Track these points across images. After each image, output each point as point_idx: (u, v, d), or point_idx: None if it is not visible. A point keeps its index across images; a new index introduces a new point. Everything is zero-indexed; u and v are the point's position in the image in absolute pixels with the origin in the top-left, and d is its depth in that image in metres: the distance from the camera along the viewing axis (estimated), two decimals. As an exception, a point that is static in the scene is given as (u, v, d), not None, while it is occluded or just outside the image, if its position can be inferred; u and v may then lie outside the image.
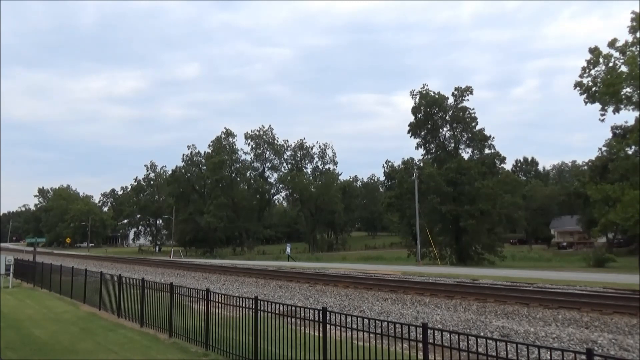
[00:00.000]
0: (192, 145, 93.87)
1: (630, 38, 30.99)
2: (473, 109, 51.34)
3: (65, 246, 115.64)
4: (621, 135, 38.01)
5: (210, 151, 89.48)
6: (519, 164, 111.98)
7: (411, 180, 48.37)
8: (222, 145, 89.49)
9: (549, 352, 5.54)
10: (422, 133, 53.21)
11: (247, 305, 8.92)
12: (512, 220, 53.90)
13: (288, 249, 57.26)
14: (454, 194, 47.66)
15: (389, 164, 57.07)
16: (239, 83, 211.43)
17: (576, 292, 16.01)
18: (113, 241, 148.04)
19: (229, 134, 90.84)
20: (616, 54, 31.54)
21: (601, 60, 32.12)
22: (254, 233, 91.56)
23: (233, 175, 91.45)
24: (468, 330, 11.85)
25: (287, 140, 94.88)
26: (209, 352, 9.64)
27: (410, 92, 53.13)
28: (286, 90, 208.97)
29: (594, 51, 32.33)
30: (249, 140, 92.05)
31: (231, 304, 9.53)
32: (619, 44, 31.33)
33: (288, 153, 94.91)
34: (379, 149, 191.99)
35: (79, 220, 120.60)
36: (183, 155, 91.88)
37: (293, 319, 7.85)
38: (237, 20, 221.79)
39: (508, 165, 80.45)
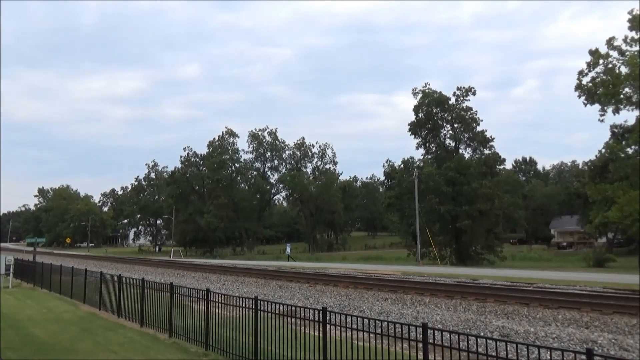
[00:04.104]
0: (188, 147, 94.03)
1: (629, 36, 31.04)
2: (476, 110, 51.60)
3: (65, 246, 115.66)
4: (620, 134, 38.02)
5: (209, 151, 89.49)
6: (518, 164, 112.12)
7: (411, 179, 48.38)
8: (223, 145, 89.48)
9: (549, 352, 5.54)
10: (423, 133, 53.24)
11: (247, 305, 8.92)
12: (512, 220, 53.99)
13: (288, 249, 57.23)
14: (453, 193, 47.66)
15: (389, 163, 56.88)
16: (239, 83, 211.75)
17: (576, 292, 16.01)
18: (113, 241, 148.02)
19: (231, 133, 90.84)
20: (615, 54, 31.59)
21: (601, 61, 32.16)
22: (254, 233, 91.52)
23: (233, 175, 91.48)
24: (468, 330, 11.85)
25: (284, 140, 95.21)
26: (209, 352, 9.64)
27: (412, 90, 53.19)
28: (286, 90, 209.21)
29: (594, 53, 32.35)
30: (252, 139, 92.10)
31: (231, 304, 9.53)
32: (617, 42, 31.38)
33: (287, 153, 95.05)
34: (379, 149, 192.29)
35: (79, 220, 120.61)
36: (180, 157, 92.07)
37: (293, 319, 7.85)
38: (238, 20, 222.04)
39: (508, 166, 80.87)
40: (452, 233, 49.18)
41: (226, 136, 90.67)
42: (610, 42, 31.54)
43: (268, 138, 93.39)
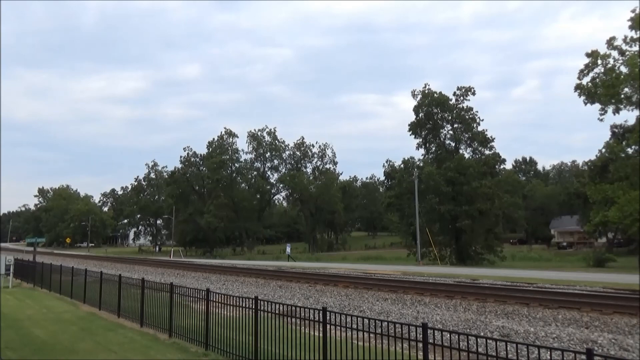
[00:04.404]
0: (188, 147, 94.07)
1: (629, 36, 31.04)
2: (477, 110, 51.66)
3: (65, 246, 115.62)
4: (620, 134, 38.05)
5: (208, 151, 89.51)
6: (518, 164, 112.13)
7: (411, 179, 48.38)
8: (222, 145, 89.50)
9: (549, 352, 5.54)
10: (423, 133, 53.25)
11: (247, 305, 8.92)
12: (512, 220, 53.94)
13: (288, 249, 57.19)
14: (453, 193, 47.68)
15: (389, 163, 56.93)
16: (239, 83, 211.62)
17: (576, 292, 16.01)
18: (113, 241, 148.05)
19: (229, 134, 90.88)
20: (615, 54, 31.60)
21: (599, 62, 32.16)
22: (254, 233, 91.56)
23: (233, 175, 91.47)
24: (468, 330, 11.85)
25: (284, 140, 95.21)
26: (209, 352, 9.64)
27: (412, 92, 53.20)
28: (286, 90, 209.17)
29: (592, 54, 32.37)
30: (251, 140, 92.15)
31: (231, 304, 9.53)
32: (617, 42, 31.38)
33: (287, 153, 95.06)
34: (379, 149, 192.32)
35: (79, 220, 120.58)
36: (180, 157, 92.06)
37: (293, 319, 7.86)
38: (238, 20, 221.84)
39: (508, 166, 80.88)
40: (452, 233, 49.20)
41: (225, 136, 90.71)
42: (610, 42, 31.54)
43: (267, 138, 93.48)
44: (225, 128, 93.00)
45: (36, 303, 18.14)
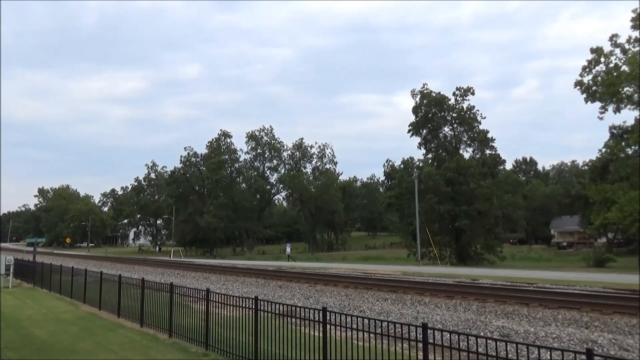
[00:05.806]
0: (189, 146, 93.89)
1: (632, 35, 31.06)
2: (478, 110, 51.70)
3: (65, 246, 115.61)
4: (619, 135, 38.05)
5: (207, 152, 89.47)
6: (518, 164, 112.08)
7: (410, 179, 48.38)
8: (220, 146, 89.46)
9: (549, 352, 5.54)
10: (423, 132, 53.26)
11: (247, 305, 8.93)
12: (512, 220, 53.92)
13: (288, 249, 57.21)
14: (452, 193, 47.69)
15: (389, 163, 56.96)
16: (239, 83, 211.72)
17: (576, 292, 16.00)
18: (113, 241, 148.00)
19: (225, 134, 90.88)
20: (617, 52, 31.61)
21: (602, 59, 32.17)
22: (254, 233, 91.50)
23: (233, 175, 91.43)
24: (468, 330, 11.85)
25: (282, 141, 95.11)
26: (209, 352, 9.65)
27: (411, 92, 53.25)
28: (286, 90, 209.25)
29: (597, 51, 32.35)
30: (250, 140, 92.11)
31: (231, 304, 9.53)
32: (620, 40, 31.39)
33: (286, 154, 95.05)
34: (379, 149, 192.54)
35: (79, 220, 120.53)
36: (181, 157, 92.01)
37: (293, 319, 7.86)
38: (238, 20, 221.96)
39: (508, 166, 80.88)
40: (452, 233, 49.21)
41: (222, 137, 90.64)
42: (613, 39, 31.52)
43: (265, 138, 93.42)
44: (221, 130, 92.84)
45: (36, 303, 18.14)
